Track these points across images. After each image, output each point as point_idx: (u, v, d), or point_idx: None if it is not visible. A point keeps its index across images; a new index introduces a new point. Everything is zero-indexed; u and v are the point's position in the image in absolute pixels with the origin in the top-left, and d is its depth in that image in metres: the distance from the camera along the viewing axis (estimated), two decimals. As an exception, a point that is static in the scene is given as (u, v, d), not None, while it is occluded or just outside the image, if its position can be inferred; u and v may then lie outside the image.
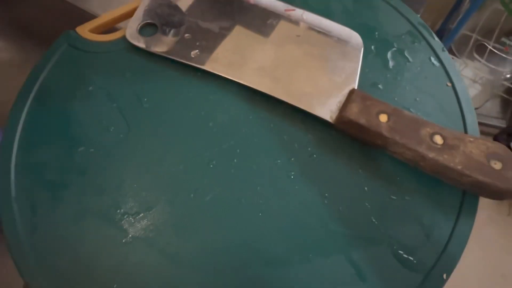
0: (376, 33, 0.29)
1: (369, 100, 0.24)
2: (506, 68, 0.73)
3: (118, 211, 0.23)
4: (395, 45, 0.29)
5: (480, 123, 0.79)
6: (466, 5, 0.72)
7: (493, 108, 0.79)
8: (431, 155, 0.22)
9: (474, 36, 0.72)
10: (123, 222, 0.22)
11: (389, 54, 0.28)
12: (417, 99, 0.27)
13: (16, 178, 0.23)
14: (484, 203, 0.89)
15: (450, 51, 0.79)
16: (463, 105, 0.26)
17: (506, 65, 0.73)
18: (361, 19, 0.30)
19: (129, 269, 0.21)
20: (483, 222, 0.87)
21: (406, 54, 0.28)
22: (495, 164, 0.22)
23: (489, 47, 0.71)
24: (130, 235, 0.22)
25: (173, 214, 0.23)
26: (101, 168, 0.24)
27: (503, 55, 0.71)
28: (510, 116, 0.76)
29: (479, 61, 0.73)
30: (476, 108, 0.80)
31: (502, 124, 0.77)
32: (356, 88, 0.25)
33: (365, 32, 0.28)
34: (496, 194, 0.22)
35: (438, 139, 0.23)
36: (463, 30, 0.74)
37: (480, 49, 0.74)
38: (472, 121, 0.26)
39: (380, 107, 0.24)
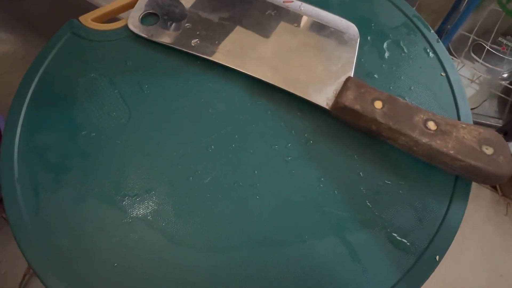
0: (372, 24, 0.30)
1: (364, 87, 0.25)
2: (503, 67, 0.74)
3: (119, 193, 0.23)
4: (391, 36, 0.29)
5: (477, 123, 0.79)
6: (464, 6, 0.73)
7: (490, 108, 0.79)
8: (424, 140, 0.23)
9: (472, 36, 0.73)
10: (123, 203, 0.23)
11: (385, 45, 0.29)
12: (412, 88, 0.27)
13: (19, 160, 0.24)
14: (481, 203, 0.90)
15: (448, 51, 0.79)
16: (457, 94, 0.27)
17: (503, 65, 0.74)
18: (358, 11, 0.30)
19: (130, 248, 0.22)
20: (481, 221, 0.87)
21: (401, 45, 0.29)
22: (487, 149, 0.23)
23: (487, 47, 0.72)
24: (130, 216, 0.23)
25: (172, 196, 0.23)
26: (103, 152, 0.24)
27: (500, 55, 0.72)
28: (507, 116, 0.77)
29: (477, 61, 0.74)
30: (473, 108, 0.80)
31: (499, 123, 0.77)
32: (352, 76, 0.26)
33: (362, 24, 0.29)
34: (488, 178, 0.23)
35: (431, 125, 0.23)
36: (461, 31, 0.75)
37: (478, 49, 0.75)
38: (465, 109, 0.26)
39: (375, 94, 0.24)
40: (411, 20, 0.30)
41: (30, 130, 0.25)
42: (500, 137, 0.23)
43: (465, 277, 0.81)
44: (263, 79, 0.26)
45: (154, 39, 0.28)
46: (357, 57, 0.27)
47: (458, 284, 0.80)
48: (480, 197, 0.89)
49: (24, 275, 0.36)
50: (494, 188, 0.88)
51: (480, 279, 0.81)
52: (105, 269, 0.21)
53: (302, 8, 0.29)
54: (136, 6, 0.29)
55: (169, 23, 0.29)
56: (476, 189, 0.87)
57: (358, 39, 0.28)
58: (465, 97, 0.27)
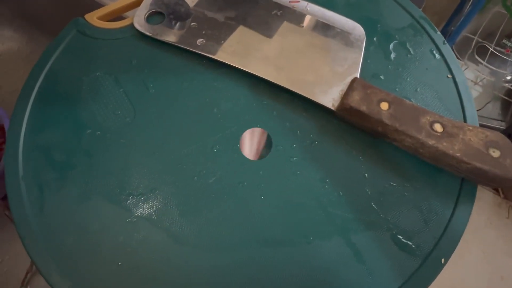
0: (379, 25, 0.30)
1: (370, 88, 0.25)
2: (507, 70, 0.73)
3: (123, 192, 0.23)
4: (397, 38, 0.29)
5: (480, 125, 0.79)
6: (468, 8, 0.72)
7: (494, 110, 0.79)
8: (430, 142, 0.23)
9: (476, 38, 0.73)
10: (128, 202, 0.23)
11: (391, 46, 0.29)
12: (418, 90, 0.27)
13: (24, 158, 0.24)
14: (483, 206, 0.89)
15: (452, 53, 0.79)
16: (463, 97, 0.27)
17: (507, 67, 0.73)
18: (364, 12, 0.30)
19: (134, 248, 0.22)
20: (483, 224, 0.87)
21: (407, 46, 0.29)
22: (494, 152, 0.23)
23: (491, 49, 0.71)
24: (134, 215, 0.22)
25: (176, 196, 0.23)
26: (107, 151, 0.24)
27: (504, 57, 0.72)
28: (510, 118, 0.77)
29: (481, 63, 0.74)
30: (477, 110, 0.80)
31: (502, 126, 0.77)
32: (358, 77, 0.26)
33: (368, 24, 0.29)
34: (494, 181, 0.23)
35: (438, 127, 0.23)
36: (465, 33, 0.75)
37: (482, 51, 0.75)
38: (471, 112, 0.26)
39: (381, 96, 0.24)
40: (418, 22, 0.30)
41: (35, 128, 0.25)
42: (507, 140, 0.23)
43: (466, 279, 0.81)
44: (268, 79, 0.26)
45: (159, 38, 0.28)
46: (363, 58, 0.27)
47: (459, 286, 0.80)
48: (482, 200, 0.88)
49: (27, 273, 0.36)
50: (496, 191, 0.88)
51: (481, 281, 0.81)
52: (109, 268, 0.21)
53: (308, 8, 0.29)
54: (141, 4, 0.29)
55: (174, 22, 0.28)
56: (478, 191, 0.87)
57: (364, 40, 0.28)
58: (471, 99, 0.27)
